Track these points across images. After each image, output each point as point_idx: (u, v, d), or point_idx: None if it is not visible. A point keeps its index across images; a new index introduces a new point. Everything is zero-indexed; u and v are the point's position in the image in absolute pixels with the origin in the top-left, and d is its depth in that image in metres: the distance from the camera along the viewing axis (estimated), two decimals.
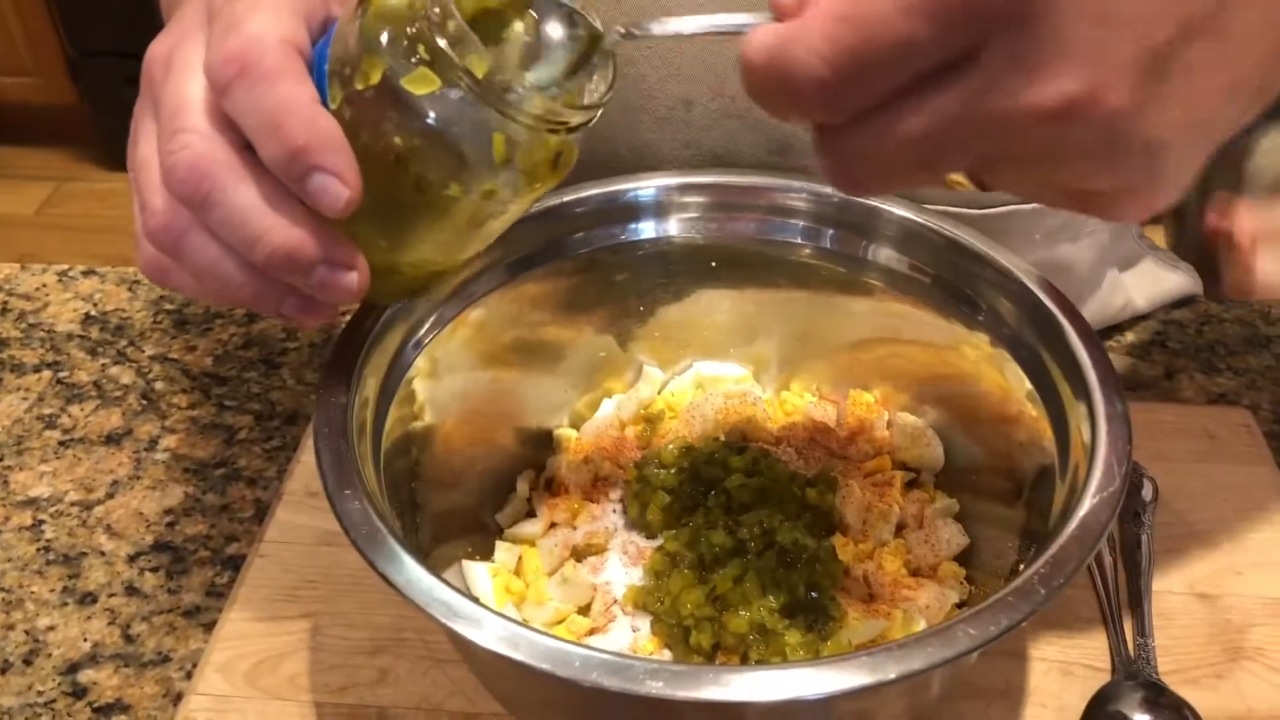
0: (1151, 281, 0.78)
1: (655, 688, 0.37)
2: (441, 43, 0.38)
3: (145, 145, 0.43)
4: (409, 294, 0.49)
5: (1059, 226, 0.66)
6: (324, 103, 0.40)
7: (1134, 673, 0.53)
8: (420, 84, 0.39)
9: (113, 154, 2.58)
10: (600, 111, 0.42)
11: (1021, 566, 0.43)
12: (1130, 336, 0.75)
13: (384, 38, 0.39)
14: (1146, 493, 0.61)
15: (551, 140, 0.41)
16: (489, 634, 0.39)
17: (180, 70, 0.41)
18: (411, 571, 0.41)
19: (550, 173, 0.43)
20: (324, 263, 0.41)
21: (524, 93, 0.39)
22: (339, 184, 0.39)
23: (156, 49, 0.43)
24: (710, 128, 0.62)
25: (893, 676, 0.38)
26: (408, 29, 0.39)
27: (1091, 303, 0.74)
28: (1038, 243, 0.66)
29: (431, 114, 0.39)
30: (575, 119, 0.41)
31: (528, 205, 0.45)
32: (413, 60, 0.39)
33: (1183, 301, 0.77)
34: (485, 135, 0.40)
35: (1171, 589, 0.57)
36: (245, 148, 0.40)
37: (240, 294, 0.43)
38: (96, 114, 2.50)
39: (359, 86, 0.40)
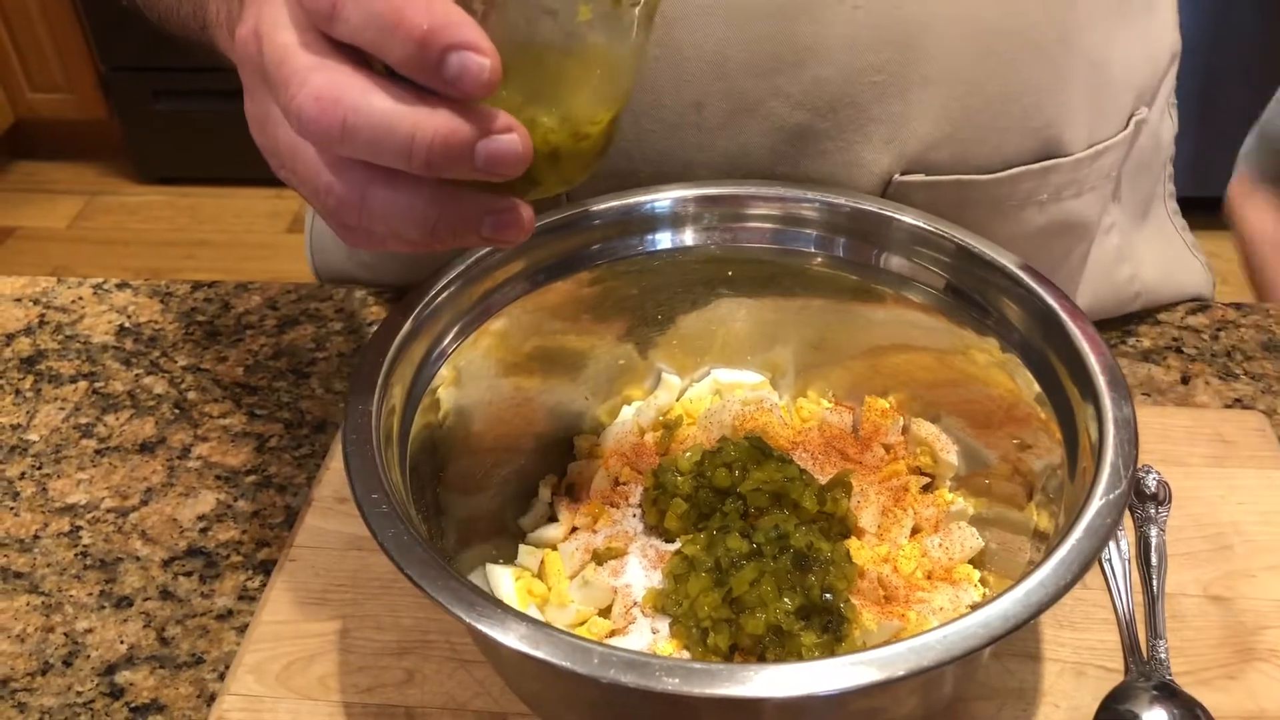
0: (1160, 251, 0.78)
1: (671, 684, 0.38)
2: None
3: (284, 129, 0.41)
4: (596, 159, 0.46)
5: (1064, 183, 0.67)
6: None
7: (1147, 673, 0.54)
8: None
9: (143, 168, 2.62)
10: None
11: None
12: (1146, 342, 0.75)
13: None
14: (1160, 496, 0.62)
15: None
16: (512, 633, 0.40)
17: (270, 33, 0.40)
18: (437, 574, 0.42)
19: None
20: (482, 136, 0.39)
21: None
22: (476, 56, 0.37)
23: (242, 32, 0.42)
24: (722, 127, 0.62)
25: (903, 673, 0.39)
26: None
27: (1095, 266, 0.75)
28: (1045, 202, 0.67)
29: None
30: None
31: (654, 10, 0.43)
32: None
33: (1197, 308, 0.78)
34: None
35: (1185, 591, 0.58)
36: (360, 66, 0.39)
37: (440, 231, 0.41)
38: (127, 129, 2.54)
39: None
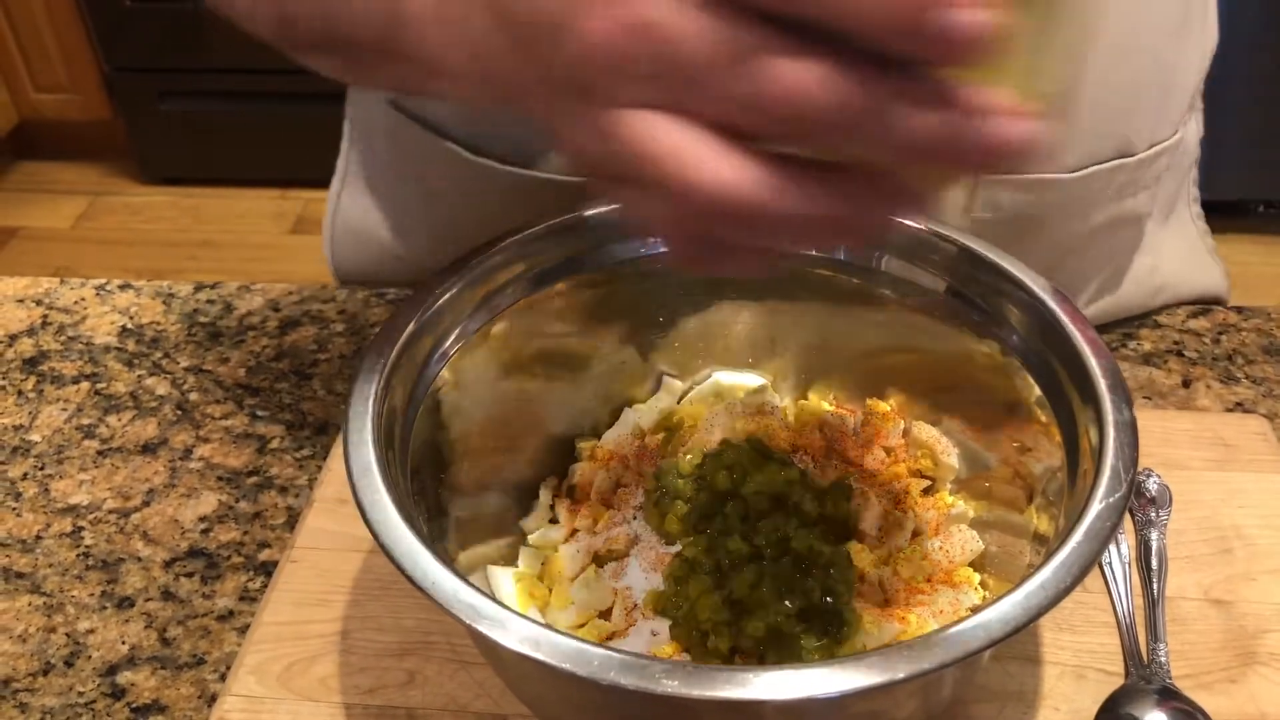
0: (1181, 249, 0.80)
1: (671, 686, 0.38)
2: None
3: (662, 125, 0.32)
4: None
5: (1126, 182, 0.69)
6: None
7: (1147, 676, 0.54)
8: None
9: (147, 168, 2.62)
10: None
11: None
12: (1147, 345, 0.75)
13: None
14: (1161, 499, 0.62)
15: None
16: (512, 635, 0.40)
17: (655, 13, 0.31)
18: (438, 575, 0.42)
19: None
20: (987, 118, 0.31)
21: None
22: (964, 10, 0.29)
23: (598, 24, 0.32)
24: None
25: (903, 676, 0.39)
26: None
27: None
28: (1109, 199, 0.69)
29: None
30: None
31: None
32: None
33: (1199, 311, 0.78)
34: None
35: (1186, 594, 0.58)
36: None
37: (842, 227, 0.34)
38: (131, 129, 2.55)
39: None
